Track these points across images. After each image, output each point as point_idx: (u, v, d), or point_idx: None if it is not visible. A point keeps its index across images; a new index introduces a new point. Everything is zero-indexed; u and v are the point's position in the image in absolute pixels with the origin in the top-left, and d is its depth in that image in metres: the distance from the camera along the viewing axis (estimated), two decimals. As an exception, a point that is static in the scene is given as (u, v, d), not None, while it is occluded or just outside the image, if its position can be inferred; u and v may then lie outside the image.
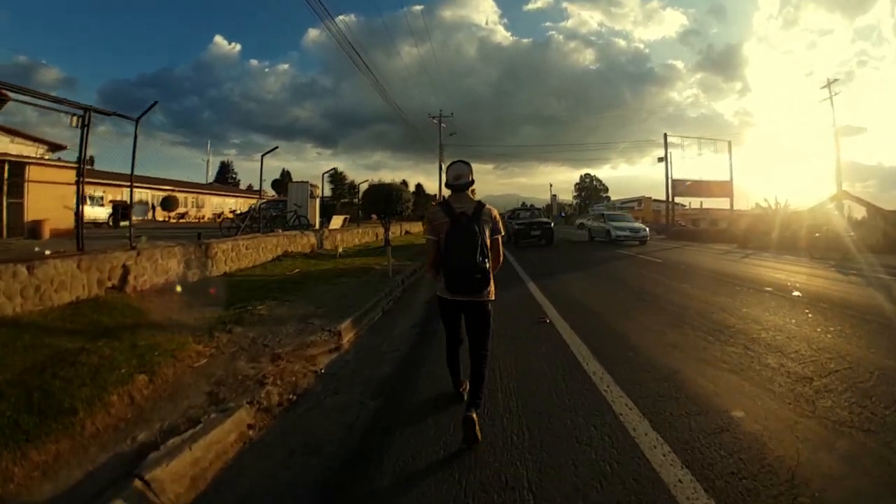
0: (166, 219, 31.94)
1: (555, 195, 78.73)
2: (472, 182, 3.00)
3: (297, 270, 9.67)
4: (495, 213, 3.01)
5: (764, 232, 19.40)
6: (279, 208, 19.72)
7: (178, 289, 7.09)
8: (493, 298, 3.00)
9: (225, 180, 65.66)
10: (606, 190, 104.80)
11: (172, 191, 34.63)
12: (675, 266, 11.23)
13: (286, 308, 6.08)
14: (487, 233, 2.87)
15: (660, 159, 27.90)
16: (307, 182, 18.45)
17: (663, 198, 65.08)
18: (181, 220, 31.59)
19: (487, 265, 2.78)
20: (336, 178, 26.31)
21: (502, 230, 3.04)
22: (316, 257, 12.16)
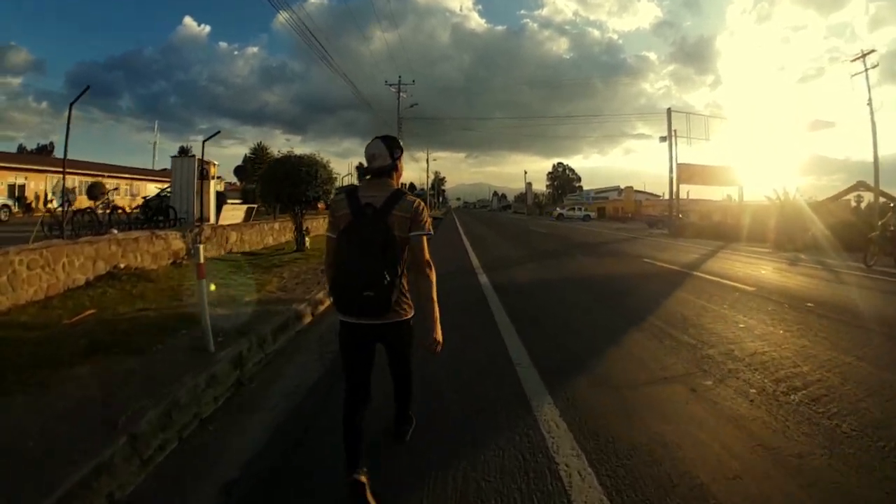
0: (92, 208, 27.09)
1: (529, 183, 74.33)
2: (394, 165, 2.10)
3: (88, 313, 4.74)
4: (418, 204, 2.07)
5: (798, 228, 15.57)
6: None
7: None
8: (412, 314, 2.16)
9: (184, 166, 60.71)
10: (579, 180, 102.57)
11: (101, 176, 28.88)
12: (803, 304, 6.36)
13: None
14: (401, 232, 1.99)
15: (662, 139, 23.29)
16: (194, 156, 12.89)
17: (642, 188, 61.93)
18: (106, 211, 25.05)
19: (387, 279, 1.89)
20: (259, 155, 20.39)
21: (429, 228, 2.07)
22: (163, 279, 6.82)
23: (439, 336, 2.07)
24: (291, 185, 10.02)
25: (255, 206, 14.20)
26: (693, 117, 24.98)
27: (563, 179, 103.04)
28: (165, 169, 49.38)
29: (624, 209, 50.77)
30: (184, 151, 67.52)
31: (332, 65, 22.74)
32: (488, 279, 7.42)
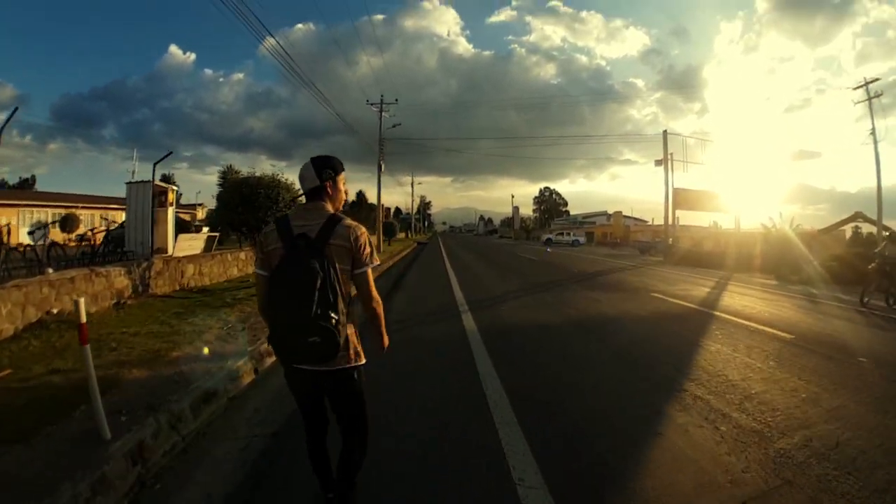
0: (65, 242, 26.21)
1: (517, 207, 73.91)
2: (323, 187, 1.89)
3: (3, 374, 3.87)
4: (359, 232, 1.86)
5: (798, 260, 14.83)
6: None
7: None
8: (363, 361, 1.95)
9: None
10: (566, 204, 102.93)
11: (74, 207, 27.75)
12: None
13: None
14: (342, 264, 1.80)
15: (657, 162, 22.55)
16: (150, 181, 11.55)
17: (629, 213, 61.66)
18: (81, 244, 23.86)
19: (333, 321, 1.67)
20: (228, 178, 19.13)
21: (372, 259, 1.90)
22: (96, 325, 5.54)
23: (386, 342, 2.09)
24: (247, 212, 8.79)
25: (217, 234, 12.82)
26: (683, 142, 24.44)
27: (549, 204, 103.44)
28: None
29: (613, 234, 50.25)
30: (165, 179, 66.52)
31: (316, 92, 21.76)
32: (475, 323, 6.14)
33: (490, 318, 6.53)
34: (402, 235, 58.79)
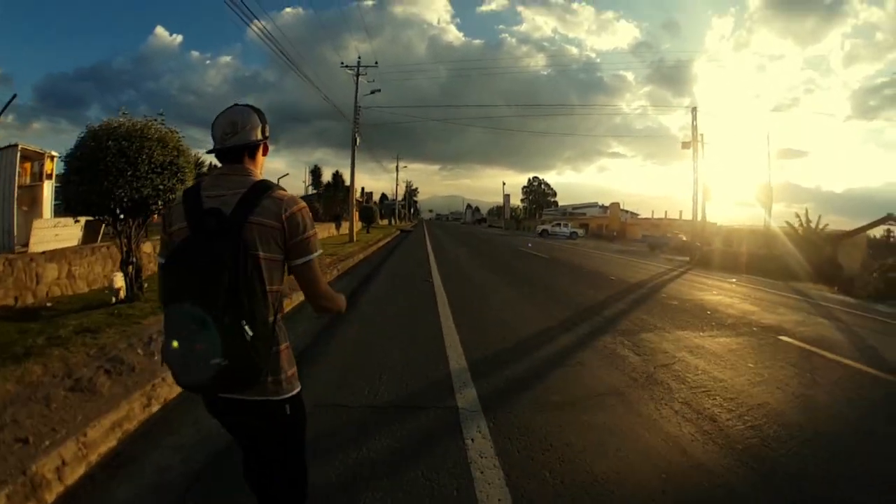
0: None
1: (508, 195, 70.32)
2: (262, 144, 1.34)
3: None
4: (295, 207, 1.25)
5: (851, 269, 13.07)
6: None
7: None
8: (297, 389, 1.31)
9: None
10: (554, 194, 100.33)
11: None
12: None
13: None
14: (268, 252, 1.21)
15: (684, 145, 19.00)
16: (15, 145, 7.98)
17: (620, 206, 58.52)
18: None
19: (249, 334, 1.10)
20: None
21: (314, 245, 1.28)
22: None
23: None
24: (88, 181, 4.97)
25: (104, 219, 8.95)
26: (666, 143, 20.91)
27: (538, 194, 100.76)
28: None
29: (609, 227, 47.06)
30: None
31: (301, 74, 17.70)
32: (501, 466, 2.45)
33: (544, 462, 2.82)
34: (384, 223, 54.89)
